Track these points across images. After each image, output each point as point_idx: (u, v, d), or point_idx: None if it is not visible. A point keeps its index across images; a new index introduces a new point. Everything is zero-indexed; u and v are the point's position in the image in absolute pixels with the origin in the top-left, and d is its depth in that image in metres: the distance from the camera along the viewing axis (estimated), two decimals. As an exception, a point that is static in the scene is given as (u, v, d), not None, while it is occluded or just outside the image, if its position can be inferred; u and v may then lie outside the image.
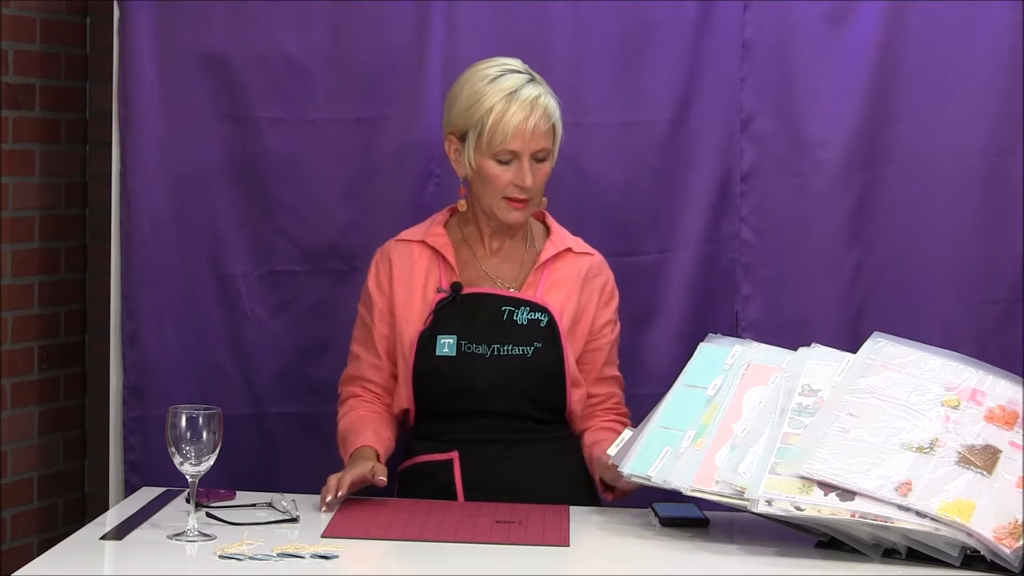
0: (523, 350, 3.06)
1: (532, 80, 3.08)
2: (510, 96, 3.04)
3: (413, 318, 3.09)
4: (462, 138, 3.08)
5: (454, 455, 3.04)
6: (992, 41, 3.48)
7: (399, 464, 3.15)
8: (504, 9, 3.50)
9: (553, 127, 3.07)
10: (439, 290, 3.09)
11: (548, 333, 3.07)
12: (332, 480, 2.88)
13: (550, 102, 3.07)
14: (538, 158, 3.06)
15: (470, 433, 3.06)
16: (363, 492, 2.94)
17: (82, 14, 3.90)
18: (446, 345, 3.06)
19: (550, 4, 3.51)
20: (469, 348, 3.06)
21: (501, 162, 3.05)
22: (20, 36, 3.70)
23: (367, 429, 3.06)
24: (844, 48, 3.49)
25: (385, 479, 2.90)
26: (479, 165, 3.06)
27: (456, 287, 3.08)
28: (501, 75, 3.07)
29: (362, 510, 2.87)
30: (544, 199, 3.15)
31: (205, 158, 3.55)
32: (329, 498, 2.85)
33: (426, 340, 3.06)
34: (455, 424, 3.06)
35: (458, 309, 3.08)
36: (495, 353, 3.06)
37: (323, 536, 2.71)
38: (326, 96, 3.54)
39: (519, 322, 3.07)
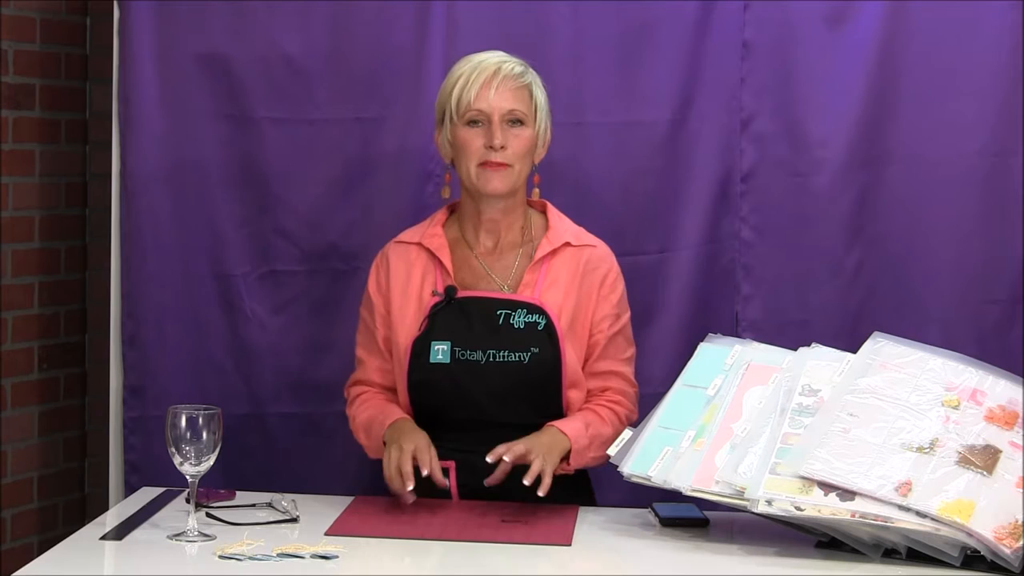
0: (519, 356, 2.99)
1: (516, 62, 3.06)
2: (476, 63, 3.04)
3: (408, 322, 3.04)
4: (442, 121, 3.08)
5: (451, 464, 2.99)
6: (992, 41, 3.48)
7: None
8: (504, 9, 3.50)
9: (530, 93, 3.04)
10: (434, 293, 3.04)
11: (546, 336, 3.01)
12: (407, 467, 2.83)
13: (518, 68, 3.04)
14: (511, 120, 3.02)
15: (467, 443, 2.99)
16: (371, 491, 2.93)
17: (82, 14, 3.90)
18: (440, 352, 3.00)
19: (550, 4, 3.51)
20: (464, 355, 3.00)
21: (472, 125, 3.02)
22: (20, 36, 3.70)
23: (396, 409, 3.03)
24: (844, 48, 3.49)
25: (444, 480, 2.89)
26: (454, 137, 3.04)
27: (450, 291, 3.03)
28: (476, 55, 3.07)
29: (365, 509, 2.86)
30: (536, 189, 3.12)
31: (205, 158, 3.55)
32: (410, 486, 2.82)
33: (420, 347, 3.01)
34: (453, 433, 3.00)
35: (453, 314, 3.02)
36: (491, 360, 3.00)
37: (326, 534, 2.72)
38: (326, 96, 3.54)
39: (516, 326, 3.01)
